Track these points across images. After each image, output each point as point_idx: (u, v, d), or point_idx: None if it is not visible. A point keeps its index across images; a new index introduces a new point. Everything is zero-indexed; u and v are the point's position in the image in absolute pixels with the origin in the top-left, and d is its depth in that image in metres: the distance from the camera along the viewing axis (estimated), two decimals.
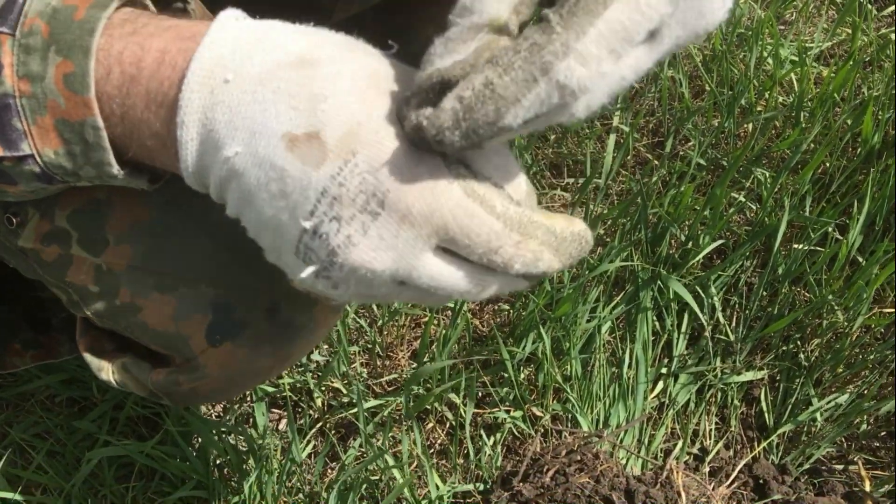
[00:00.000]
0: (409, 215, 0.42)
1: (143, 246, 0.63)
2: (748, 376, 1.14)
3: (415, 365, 1.14)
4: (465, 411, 1.06)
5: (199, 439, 1.03)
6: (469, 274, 0.44)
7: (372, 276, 0.43)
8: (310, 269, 0.44)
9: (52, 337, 1.01)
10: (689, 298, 1.11)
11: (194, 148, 0.45)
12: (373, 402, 1.08)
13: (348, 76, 0.43)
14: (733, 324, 1.16)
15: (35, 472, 1.01)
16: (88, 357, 0.73)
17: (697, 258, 1.14)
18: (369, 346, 1.15)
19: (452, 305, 1.15)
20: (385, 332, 1.16)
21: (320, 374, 1.11)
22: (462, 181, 0.42)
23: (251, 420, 1.08)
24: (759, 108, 1.33)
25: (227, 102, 0.43)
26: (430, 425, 1.11)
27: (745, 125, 1.32)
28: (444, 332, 1.10)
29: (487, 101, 0.38)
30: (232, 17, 0.46)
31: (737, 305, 1.17)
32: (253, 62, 0.43)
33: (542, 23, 0.38)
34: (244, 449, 1.04)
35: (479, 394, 1.12)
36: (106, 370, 0.71)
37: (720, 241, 1.16)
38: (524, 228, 0.43)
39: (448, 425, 1.11)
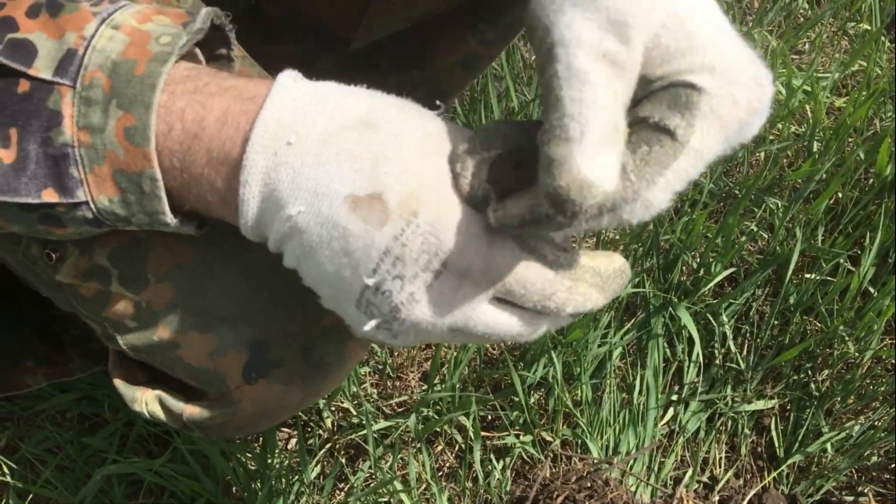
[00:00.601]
0: (470, 272, 0.44)
1: (184, 286, 0.64)
2: (759, 405, 1.13)
3: (425, 387, 1.14)
4: (474, 435, 1.06)
5: (209, 458, 1.03)
6: (522, 319, 0.47)
7: (431, 328, 0.46)
8: (372, 323, 0.47)
9: (64, 354, 1.02)
10: (693, 331, 1.11)
11: (255, 205, 0.47)
12: (382, 424, 1.08)
13: (407, 137, 0.45)
14: (744, 352, 1.16)
15: (44, 487, 1.02)
16: (122, 387, 0.74)
17: (709, 286, 1.14)
18: (380, 366, 1.15)
19: None
20: (396, 354, 1.16)
21: (330, 394, 1.12)
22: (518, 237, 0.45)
23: (260, 439, 1.08)
24: (770, 138, 1.33)
25: (290, 164, 0.45)
26: (439, 448, 1.11)
27: (758, 154, 1.33)
28: (454, 354, 1.10)
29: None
30: (291, 79, 0.48)
31: (748, 334, 1.17)
32: (315, 125, 0.45)
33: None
34: (253, 468, 1.04)
35: (489, 417, 1.12)
36: (139, 402, 0.72)
37: (732, 269, 1.16)
38: (574, 274, 0.45)
39: (457, 448, 1.11)
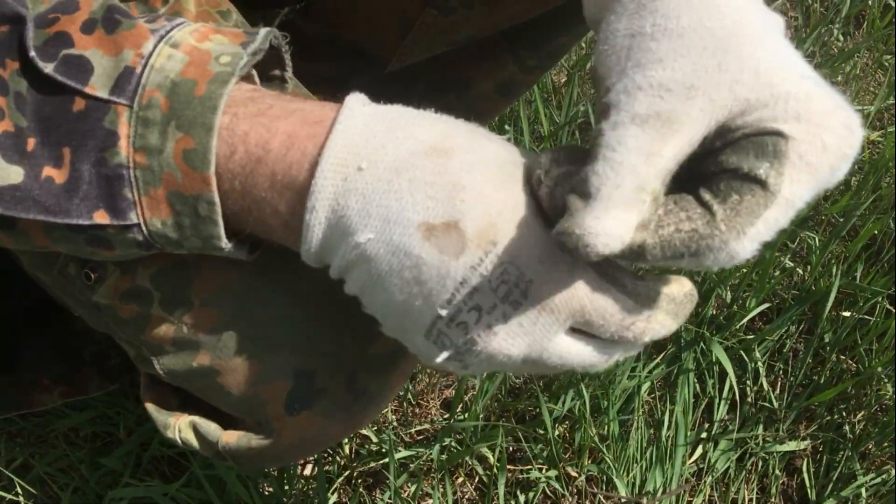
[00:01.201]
0: (550, 303, 0.42)
1: (229, 311, 0.63)
2: (791, 446, 1.10)
3: (446, 415, 1.11)
4: (499, 468, 1.03)
5: (225, 483, 1.00)
6: (598, 349, 0.45)
7: (506, 360, 0.44)
8: (444, 355, 0.45)
9: (82, 372, 1.00)
10: (728, 367, 1.08)
11: (321, 231, 0.46)
12: (404, 453, 1.05)
13: (482, 165, 0.43)
14: (777, 390, 1.12)
15: None
16: (154, 412, 0.72)
17: (743, 321, 1.11)
18: (400, 393, 1.12)
19: None
20: (416, 380, 1.14)
21: None
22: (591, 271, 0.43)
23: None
24: None
25: (360, 190, 0.44)
26: (460, 479, 1.08)
27: None
28: (477, 382, 1.08)
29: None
30: (359, 103, 0.46)
31: (781, 371, 1.14)
32: (386, 151, 0.44)
33: (702, 207, 0.41)
34: (269, 494, 1.01)
35: (510, 449, 1.09)
36: (172, 428, 0.70)
37: (766, 305, 1.13)
38: (651, 302, 0.43)
39: (477, 479, 1.08)
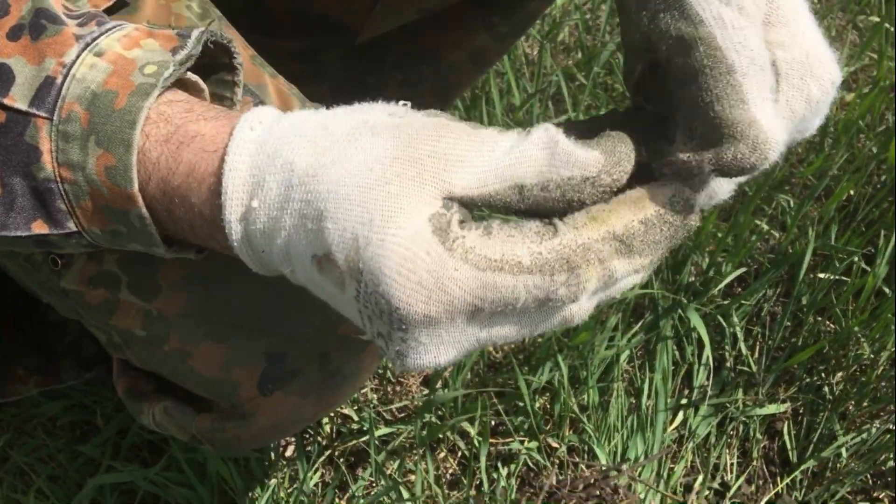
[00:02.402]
0: (433, 320, 0.39)
1: (198, 295, 0.62)
2: (771, 409, 1.10)
3: (426, 392, 1.11)
4: (479, 442, 1.03)
5: (205, 466, 1.00)
6: (520, 323, 0.41)
7: (439, 365, 0.42)
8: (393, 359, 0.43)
9: (56, 362, 0.99)
10: (703, 333, 1.08)
11: (249, 260, 0.45)
12: (384, 430, 1.05)
13: (345, 181, 0.40)
14: (755, 354, 1.12)
15: (36, 497, 0.98)
16: (127, 399, 0.72)
17: (720, 287, 1.11)
18: (380, 371, 1.12)
19: None
20: None
21: None
22: (474, 252, 0.39)
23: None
24: None
25: (261, 229, 0.43)
26: (442, 455, 1.08)
27: None
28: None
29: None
30: (247, 129, 0.43)
31: (759, 335, 1.14)
32: (269, 186, 0.42)
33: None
34: (250, 476, 1.00)
35: (492, 422, 1.09)
36: (147, 413, 0.69)
37: (742, 269, 1.13)
38: (572, 261, 0.39)
39: (460, 454, 1.08)
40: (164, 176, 0.44)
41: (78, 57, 0.44)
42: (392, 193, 0.39)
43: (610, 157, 0.40)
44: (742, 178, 0.42)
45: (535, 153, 0.39)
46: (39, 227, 0.46)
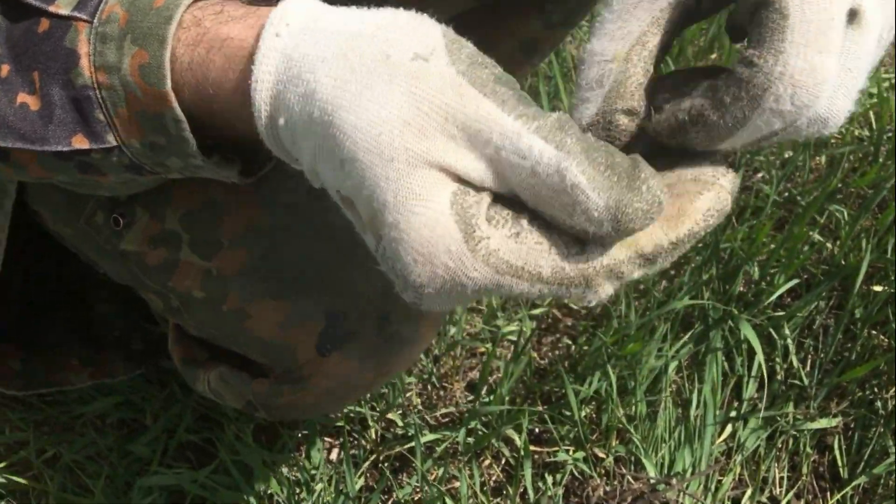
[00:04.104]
0: (446, 300, 0.40)
1: (259, 250, 0.61)
2: (822, 423, 1.08)
3: (470, 397, 1.10)
4: (524, 451, 1.02)
5: (253, 469, 1.00)
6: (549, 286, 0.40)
7: (462, 302, 0.41)
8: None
9: (105, 355, 1.00)
10: (757, 345, 1.06)
11: (277, 150, 0.44)
12: (430, 437, 1.04)
13: (359, 137, 0.38)
14: (807, 367, 1.11)
15: (85, 496, 0.99)
16: (182, 366, 0.71)
17: (772, 298, 1.09)
18: (425, 376, 1.12)
19: (515, 339, 1.11)
20: (441, 362, 1.13)
21: (374, 403, 1.08)
22: (497, 255, 0.38)
23: (303, 449, 1.05)
24: (833, 141, 1.28)
25: (290, 142, 0.42)
26: (486, 462, 1.07)
27: (818, 158, 1.27)
28: (502, 364, 1.07)
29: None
30: (273, 35, 0.41)
31: (811, 348, 1.12)
32: (293, 109, 0.40)
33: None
34: (296, 479, 1.01)
35: (536, 430, 1.08)
36: (202, 380, 0.69)
37: (795, 281, 1.11)
38: (592, 280, 0.39)
39: (503, 462, 1.07)
40: (198, 81, 0.43)
41: None
42: (400, 172, 0.38)
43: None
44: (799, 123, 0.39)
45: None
46: (79, 142, 0.45)
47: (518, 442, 1.04)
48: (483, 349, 1.13)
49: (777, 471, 1.07)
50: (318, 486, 1.00)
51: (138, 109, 0.44)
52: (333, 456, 1.08)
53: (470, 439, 1.04)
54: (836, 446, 1.08)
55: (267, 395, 0.66)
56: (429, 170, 0.38)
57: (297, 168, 0.44)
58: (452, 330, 1.12)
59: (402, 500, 1.02)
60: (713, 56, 1.39)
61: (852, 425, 1.10)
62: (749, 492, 1.05)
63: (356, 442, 1.06)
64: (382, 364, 0.65)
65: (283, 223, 0.61)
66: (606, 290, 0.39)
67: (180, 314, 0.68)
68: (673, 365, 1.08)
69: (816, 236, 1.16)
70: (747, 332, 1.05)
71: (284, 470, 1.01)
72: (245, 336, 0.65)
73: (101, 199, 0.65)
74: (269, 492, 1.00)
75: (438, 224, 0.37)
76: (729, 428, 1.08)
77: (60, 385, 0.95)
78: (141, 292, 0.70)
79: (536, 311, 1.15)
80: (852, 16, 0.39)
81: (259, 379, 0.67)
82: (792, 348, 1.10)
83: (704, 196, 0.40)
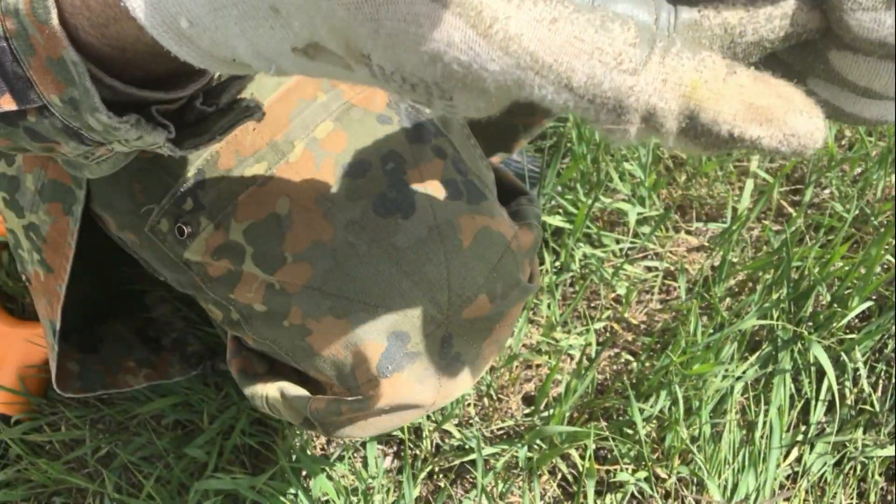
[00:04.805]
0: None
1: (323, 266, 0.60)
2: (892, 451, 1.05)
3: (527, 410, 1.08)
4: (589, 471, 1.00)
5: (309, 476, 0.99)
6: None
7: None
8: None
9: (162, 357, 1.00)
10: (828, 366, 1.03)
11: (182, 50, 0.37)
12: (489, 450, 1.03)
13: None
14: (878, 392, 1.07)
15: (143, 500, 0.99)
16: (240, 379, 0.71)
17: (845, 320, 1.06)
18: (482, 388, 1.10)
19: (574, 353, 1.09)
20: (497, 374, 1.11)
21: (430, 413, 1.07)
22: (518, 34, 0.29)
23: (359, 458, 1.04)
24: None
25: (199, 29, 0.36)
26: (544, 478, 1.05)
27: (888, 177, 1.24)
28: (563, 378, 1.05)
29: None
30: None
31: (882, 373, 1.08)
32: None
33: None
34: (353, 487, 0.99)
35: (596, 447, 1.06)
36: (260, 395, 0.68)
37: (868, 303, 1.08)
38: (625, 107, 0.29)
39: (559, 476, 1.05)
40: (87, 6, 0.38)
41: None
42: None
43: None
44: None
45: None
46: (7, 103, 0.41)
47: (578, 461, 1.02)
48: (539, 361, 1.11)
49: (844, 497, 1.04)
50: (378, 497, 0.99)
51: (45, 56, 0.39)
52: (386, 464, 1.06)
53: (531, 455, 1.02)
54: None
55: (325, 413, 0.65)
56: None
57: (247, 72, 0.38)
58: (510, 342, 1.11)
59: None
60: None
61: None
62: None
63: (412, 452, 1.05)
64: (444, 386, 0.64)
65: (347, 240, 0.60)
66: (632, 132, 0.30)
67: (240, 327, 0.67)
68: (739, 386, 1.05)
69: (888, 257, 1.13)
70: (818, 353, 1.02)
71: (342, 478, 1.00)
72: (305, 352, 0.64)
73: (165, 207, 0.64)
74: (326, 499, 0.99)
75: (421, 15, 0.29)
76: (795, 452, 1.05)
77: (118, 387, 0.95)
78: (201, 302, 0.70)
79: (597, 326, 1.13)
80: None
81: (318, 396, 0.66)
82: (863, 371, 1.06)
83: (805, 119, 0.30)
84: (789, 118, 0.29)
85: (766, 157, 0.30)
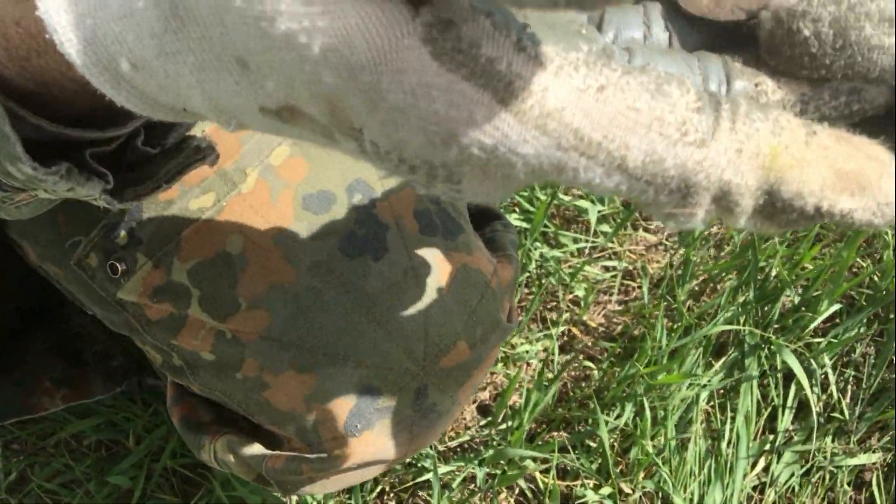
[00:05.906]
0: None
1: (283, 314, 0.53)
2: (861, 459, 1.01)
3: (483, 422, 1.02)
4: (552, 490, 0.94)
5: (245, 501, 0.91)
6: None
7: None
8: None
9: (83, 372, 0.90)
10: (799, 371, 0.99)
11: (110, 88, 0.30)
12: (445, 469, 0.96)
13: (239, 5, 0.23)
14: (847, 399, 1.04)
15: None
16: (183, 430, 0.63)
17: (814, 324, 1.02)
18: None
19: (532, 360, 1.03)
20: None
21: None
22: (560, 108, 0.23)
23: None
24: None
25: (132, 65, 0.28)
26: (502, 495, 0.99)
27: None
28: (522, 387, 0.98)
29: None
30: None
31: (850, 378, 1.05)
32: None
33: None
34: None
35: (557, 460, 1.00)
36: (207, 448, 0.61)
37: (837, 306, 1.04)
38: (692, 186, 0.23)
39: (517, 491, 0.99)
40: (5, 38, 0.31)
41: None
42: (335, 15, 0.21)
43: None
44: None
45: None
46: None
47: (539, 477, 0.96)
48: (494, 370, 1.05)
49: None
50: None
51: None
52: None
53: (497, 476, 0.95)
54: (874, 483, 1.02)
55: (283, 472, 0.59)
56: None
57: (198, 120, 0.31)
58: None
59: None
60: None
61: (891, 461, 1.03)
62: None
63: None
64: (415, 439, 0.59)
65: (311, 285, 0.53)
66: (700, 215, 0.25)
67: (183, 374, 0.59)
68: (705, 394, 1.00)
69: (860, 261, 1.09)
70: (789, 359, 0.98)
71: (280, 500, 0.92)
72: (261, 406, 0.57)
73: (95, 240, 0.56)
74: None
75: (434, 87, 0.22)
76: (762, 461, 1.01)
77: (33, 412, 0.85)
78: (138, 343, 0.62)
79: (553, 331, 1.06)
80: None
81: (275, 453, 0.59)
82: (832, 378, 1.02)
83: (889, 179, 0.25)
84: (884, 184, 0.24)
85: (850, 230, 0.26)
